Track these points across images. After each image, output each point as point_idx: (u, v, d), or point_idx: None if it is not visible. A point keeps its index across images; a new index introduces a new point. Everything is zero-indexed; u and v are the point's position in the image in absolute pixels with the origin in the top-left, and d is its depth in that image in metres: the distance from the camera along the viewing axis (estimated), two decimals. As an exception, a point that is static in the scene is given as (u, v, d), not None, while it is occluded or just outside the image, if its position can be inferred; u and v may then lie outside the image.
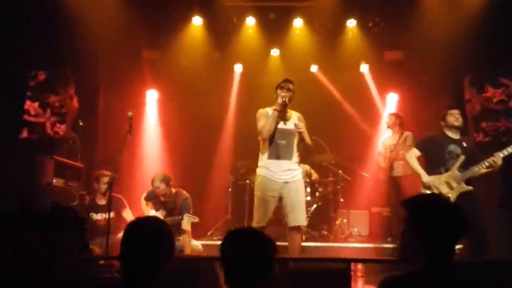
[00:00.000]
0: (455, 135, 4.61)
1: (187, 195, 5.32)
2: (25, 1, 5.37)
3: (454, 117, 4.60)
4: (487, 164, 4.37)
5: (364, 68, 7.93)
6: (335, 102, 7.81)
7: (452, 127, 4.60)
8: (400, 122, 6.53)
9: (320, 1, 7.00)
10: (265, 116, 4.48)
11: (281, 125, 4.46)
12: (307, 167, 6.77)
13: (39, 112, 5.78)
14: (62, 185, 5.31)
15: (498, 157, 4.33)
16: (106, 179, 5.17)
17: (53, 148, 5.69)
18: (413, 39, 6.94)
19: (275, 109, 4.43)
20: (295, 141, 4.50)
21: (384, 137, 6.80)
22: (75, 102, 6.12)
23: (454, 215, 1.93)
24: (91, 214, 5.25)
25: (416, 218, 1.95)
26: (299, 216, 4.41)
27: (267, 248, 2.00)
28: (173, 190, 5.30)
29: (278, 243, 5.73)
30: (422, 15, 6.66)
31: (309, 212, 6.62)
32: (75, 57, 6.11)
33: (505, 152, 4.33)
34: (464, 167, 4.43)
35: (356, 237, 6.71)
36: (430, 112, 6.78)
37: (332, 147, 6.89)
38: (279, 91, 4.48)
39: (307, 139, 4.51)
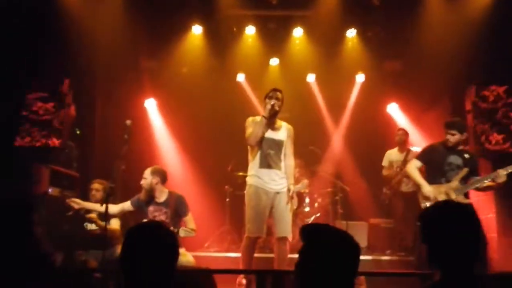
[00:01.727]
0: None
1: (180, 194, 5.00)
2: (24, 11, 5.33)
3: (454, 138, 4.47)
4: (490, 179, 4.30)
5: (360, 78, 7.92)
6: (334, 112, 7.78)
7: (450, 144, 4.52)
8: (407, 138, 6.52)
9: (320, 10, 6.97)
10: (254, 123, 4.46)
11: (270, 134, 4.44)
12: (306, 181, 6.76)
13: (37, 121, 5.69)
14: (58, 195, 5.22)
15: (502, 174, 4.26)
16: (101, 188, 5.11)
17: (49, 156, 5.61)
18: (412, 49, 6.94)
19: (263, 116, 4.40)
20: (283, 151, 4.49)
21: (390, 152, 6.68)
22: (72, 110, 6.05)
23: (470, 225, 1.83)
24: (85, 224, 5.15)
25: (429, 229, 1.87)
26: (287, 227, 4.40)
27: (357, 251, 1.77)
28: (165, 190, 4.93)
29: (266, 255, 5.66)
30: (421, 25, 6.64)
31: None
32: (73, 65, 6.04)
33: (509, 169, 4.26)
34: (465, 179, 4.37)
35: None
36: (429, 122, 6.75)
37: (331, 157, 6.83)
38: (267, 100, 4.46)
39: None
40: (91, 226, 5.16)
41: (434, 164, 4.53)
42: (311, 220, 6.49)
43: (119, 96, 7.10)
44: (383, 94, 7.77)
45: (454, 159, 4.46)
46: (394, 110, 7.86)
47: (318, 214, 6.63)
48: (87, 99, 6.54)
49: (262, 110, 4.54)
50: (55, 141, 5.65)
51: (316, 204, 6.63)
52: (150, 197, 4.87)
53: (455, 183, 4.36)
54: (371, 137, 7.56)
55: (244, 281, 4.55)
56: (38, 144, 5.57)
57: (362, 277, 4.71)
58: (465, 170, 4.36)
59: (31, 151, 5.59)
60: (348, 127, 7.85)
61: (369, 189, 7.04)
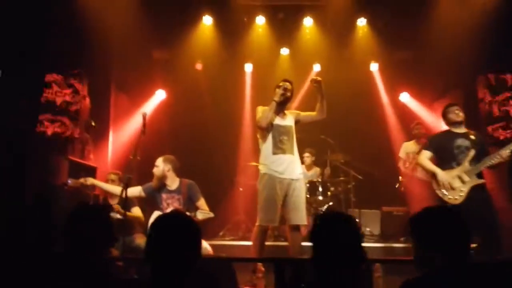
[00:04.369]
0: (460, 130, 4.62)
1: (191, 180, 5.00)
2: (39, 2, 5.34)
3: (454, 113, 4.63)
4: (497, 157, 4.37)
5: (374, 67, 7.94)
6: (345, 101, 7.78)
7: (454, 123, 4.63)
8: (424, 131, 6.60)
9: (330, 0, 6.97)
10: (264, 109, 4.51)
11: (280, 121, 4.51)
12: (317, 169, 6.83)
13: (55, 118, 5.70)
14: (78, 186, 5.28)
15: (505, 154, 4.34)
16: (116, 179, 5.20)
17: (67, 148, 5.67)
18: (423, 38, 6.92)
19: (274, 100, 4.43)
20: (295, 137, 4.54)
21: (407, 144, 6.79)
22: (87, 102, 6.10)
23: (456, 224, 2.00)
24: (105, 213, 5.20)
25: (419, 233, 2.08)
26: (301, 215, 4.42)
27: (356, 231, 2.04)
28: (177, 178, 4.95)
29: (280, 243, 5.72)
30: (432, 14, 6.62)
31: (321, 212, 6.63)
32: (88, 57, 6.07)
33: (510, 147, 4.34)
34: (475, 160, 4.43)
35: (368, 236, 6.69)
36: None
37: (343, 147, 6.87)
38: (277, 90, 4.51)
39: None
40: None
41: (443, 149, 4.58)
42: (324, 209, 6.54)
43: (132, 86, 7.13)
44: (394, 83, 7.78)
45: (462, 141, 4.52)
46: (407, 99, 7.88)
47: (331, 203, 6.68)
48: (101, 91, 6.57)
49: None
50: (73, 132, 5.71)
51: (329, 193, 6.67)
52: (162, 185, 4.92)
53: (466, 165, 4.42)
54: (383, 125, 7.61)
55: (263, 269, 4.61)
56: (55, 135, 5.61)
57: (378, 264, 4.78)
58: (472, 151, 4.43)
59: (48, 142, 5.62)
60: (362, 116, 7.85)
61: (382, 177, 7.08)
